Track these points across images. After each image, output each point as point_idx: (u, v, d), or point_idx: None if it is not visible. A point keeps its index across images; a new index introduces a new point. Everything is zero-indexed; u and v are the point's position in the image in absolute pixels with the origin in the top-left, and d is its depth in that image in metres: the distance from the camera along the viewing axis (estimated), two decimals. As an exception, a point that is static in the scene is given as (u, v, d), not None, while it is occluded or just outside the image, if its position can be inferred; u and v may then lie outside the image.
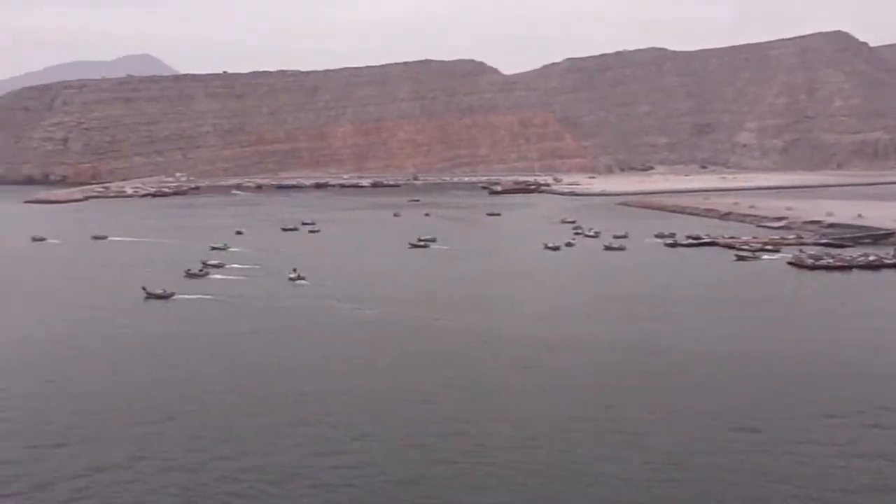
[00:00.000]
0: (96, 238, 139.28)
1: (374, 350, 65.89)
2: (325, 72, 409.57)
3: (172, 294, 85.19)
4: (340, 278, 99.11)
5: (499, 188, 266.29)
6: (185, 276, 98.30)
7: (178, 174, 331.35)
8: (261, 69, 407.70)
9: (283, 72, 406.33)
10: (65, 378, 57.49)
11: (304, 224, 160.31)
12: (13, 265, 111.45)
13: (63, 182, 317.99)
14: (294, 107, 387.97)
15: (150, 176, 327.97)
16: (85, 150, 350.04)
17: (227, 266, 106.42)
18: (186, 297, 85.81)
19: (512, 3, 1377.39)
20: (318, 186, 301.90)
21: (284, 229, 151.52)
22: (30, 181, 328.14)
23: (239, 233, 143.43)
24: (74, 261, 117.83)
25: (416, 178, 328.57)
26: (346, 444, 46.25)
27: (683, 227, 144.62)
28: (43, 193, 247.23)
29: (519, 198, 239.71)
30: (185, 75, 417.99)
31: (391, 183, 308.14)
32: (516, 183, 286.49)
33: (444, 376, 58.82)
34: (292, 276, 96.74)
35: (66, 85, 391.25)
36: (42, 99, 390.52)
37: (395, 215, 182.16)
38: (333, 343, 68.54)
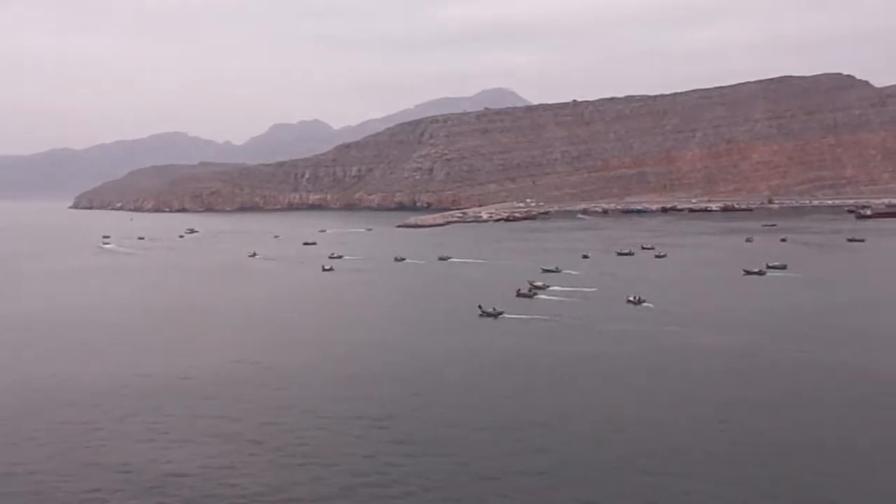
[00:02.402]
0: (441, 259, 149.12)
1: (743, 381, 58.97)
2: (674, 95, 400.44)
3: (502, 313, 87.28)
4: (687, 303, 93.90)
5: (868, 212, 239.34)
6: (516, 295, 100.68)
7: (528, 200, 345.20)
8: (608, 96, 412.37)
9: (630, 97, 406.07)
10: (420, 390, 59.00)
11: (643, 248, 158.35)
12: (374, 282, 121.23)
13: (428, 208, 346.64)
14: (641, 131, 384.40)
15: (503, 202, 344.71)
16: (447, 179, 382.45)
17: (557, 288, 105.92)
18: (516, 316, 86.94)
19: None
20: (665, 210, 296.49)
21: (620, 253, 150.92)
22: (401, 207, 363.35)
23: (585, 256, 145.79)
24: (423, 278, 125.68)
25: (770, 202, 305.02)
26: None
27: None
28: (412, 219, 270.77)
29: (892, 223, 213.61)
30: (537, 105, 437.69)
31: (743, 207, 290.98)
32: (889, 206, 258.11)
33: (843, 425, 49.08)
34: (631, 298, 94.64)
35: (433, 120, 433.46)
36: (413, 133, 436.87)
37: (748, 240, 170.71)
38: (693, 374, 61.76)
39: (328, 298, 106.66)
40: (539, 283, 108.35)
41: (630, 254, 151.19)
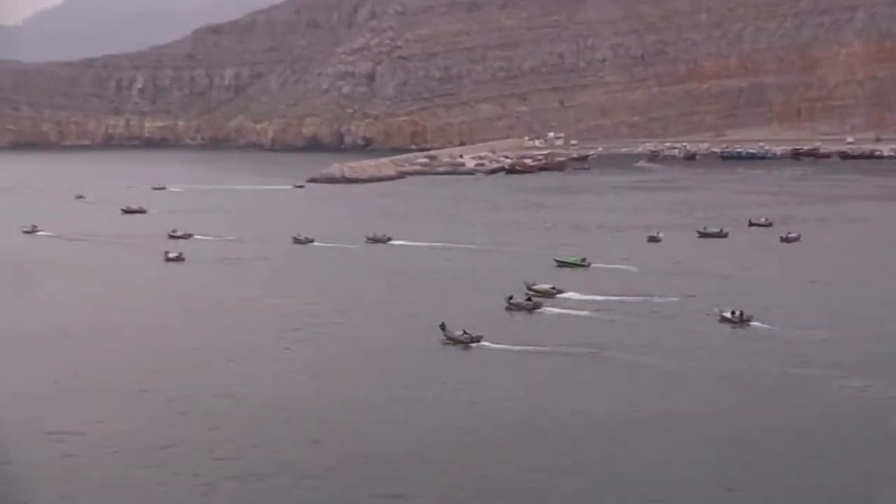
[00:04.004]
0: (372, 241, 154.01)
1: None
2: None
3: (478, 339, 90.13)
4: (836, 325, 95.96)
5: None
6: (506, 307, 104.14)
7: (550, 135, 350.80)
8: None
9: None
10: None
11: (753, 225, 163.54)
12: (257, 283, 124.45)
13: (366, 148, 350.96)
14: (756, 12, 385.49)
15: (504, 138, 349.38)
16: (401, 94, 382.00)
17: (577, 296, 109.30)
18: (501, 346, 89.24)
19: None
20: (798, 156, 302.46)
21: (704, 234, 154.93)
22: (314, 146, 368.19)
23: (654, 239, 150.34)
24: (346, 276, 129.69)
25: None
26: None
27: None
28: (335, 167, 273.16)
29: None
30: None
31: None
32: None
33: None
34: (728, 314, 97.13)
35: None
36: (339, 9, 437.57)
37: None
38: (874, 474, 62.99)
39: (171, 321, 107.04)
40: (544, 287, 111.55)
41: (721, 235, 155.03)
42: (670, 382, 79.74)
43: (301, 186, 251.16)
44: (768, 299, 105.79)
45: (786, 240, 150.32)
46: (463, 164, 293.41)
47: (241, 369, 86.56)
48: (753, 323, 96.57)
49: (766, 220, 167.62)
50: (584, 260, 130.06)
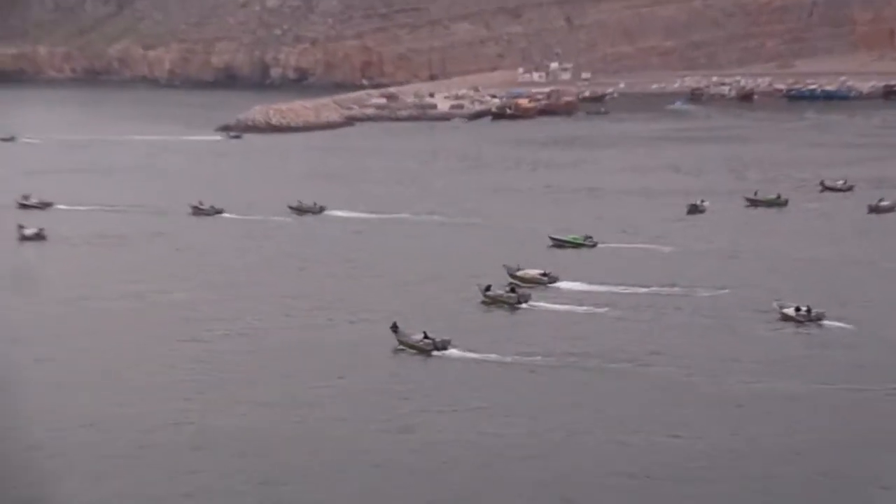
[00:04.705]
0: (297, 210, 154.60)
1: None
2: None
3: (444, 344, 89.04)
4: None
5: None
6: (483, 301, 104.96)
7: (552, 65, 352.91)
8: None
9: None
10: None
11: (827, 188, 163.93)
12: (150, 268, 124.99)
13: (299, 83, 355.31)
14: None
15: (493, 70, 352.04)
16: (347, 10, 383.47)
17: (576, 286, 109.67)
18: (473, 355, 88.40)
19: None
20: (890, 94, 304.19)
21: (752, 200, 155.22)
22: (227, 80, 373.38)
23: (695, 209, 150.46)
24: (268, 255, 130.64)
25: None
26: None
27: None
28: (257, 110, 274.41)
29: None
30: None
31: None
32: None
33: None
34: (791, 311, 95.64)
35: None
36: None
37: None
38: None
39: (25, 328, 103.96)
40: (532, 273, 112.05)
41: (778, 202, 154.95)
42: (714, 407, 77.81)
43: (231, 136, 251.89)
44: (848, 291, 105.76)
45: (875, 209, 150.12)
46: (434, 107, 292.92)
47: (118, 398, 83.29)
48: (826, 322, 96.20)
49: (846, 182, 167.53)
50: (588, 238, 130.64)
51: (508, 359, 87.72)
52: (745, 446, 70.48)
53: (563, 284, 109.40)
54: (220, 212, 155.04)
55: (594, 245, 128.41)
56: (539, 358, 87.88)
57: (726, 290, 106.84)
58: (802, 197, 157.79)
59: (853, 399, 78.63)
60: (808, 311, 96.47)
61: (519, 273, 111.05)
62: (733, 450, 69.83)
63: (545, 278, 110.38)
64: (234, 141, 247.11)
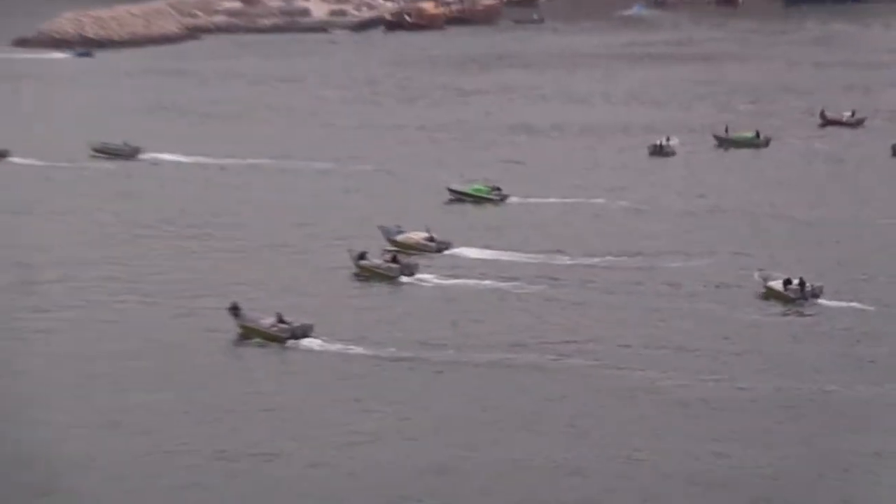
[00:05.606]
0: (103, 153, 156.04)
1: None
2: None
3: (303, 331, 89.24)
4: None
5: None
6: (356, 273, 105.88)
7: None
8: None
9: None
10: None
11: (829, 122, 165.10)
12: None
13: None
14: None
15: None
16: None
17: (486, 254, 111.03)
18: (331, 346, 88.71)
19: None
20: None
21: (721, 139, 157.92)
22: None
23: (659, 150, 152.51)
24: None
25: None
26: None
27: None
28: (66, 18, 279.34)
29: None
30: None
31: None
32: None
33: None
34: (777, 283, 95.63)
35: None
36: None
37: None
38: None
39: None
40: (416, 237, 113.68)
41: (755, 142, 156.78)
42: (679, 413, 77.40)
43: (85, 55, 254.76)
44: (854, 262, 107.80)
45: None
46: (306, 13, 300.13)
47: None
48: (823, 301, 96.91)
49: (855, 114, 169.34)
50: (495, 190, 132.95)
51: (385, 352, 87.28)
52: (725, 464, 68.82)
53: (460, 251, 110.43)
54: (5, 154, 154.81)
55: (502, 199, 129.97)
56: (427, 351, 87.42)
57: (692, 259, 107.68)
58: (796, 133, 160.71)
59: (856, 402, 77.58)
60: (802, 284, 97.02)
61: (399, 237, 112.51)
62: (711, 472, 68.10)
63: (432, 244, 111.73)
64: (84, 59, 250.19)
